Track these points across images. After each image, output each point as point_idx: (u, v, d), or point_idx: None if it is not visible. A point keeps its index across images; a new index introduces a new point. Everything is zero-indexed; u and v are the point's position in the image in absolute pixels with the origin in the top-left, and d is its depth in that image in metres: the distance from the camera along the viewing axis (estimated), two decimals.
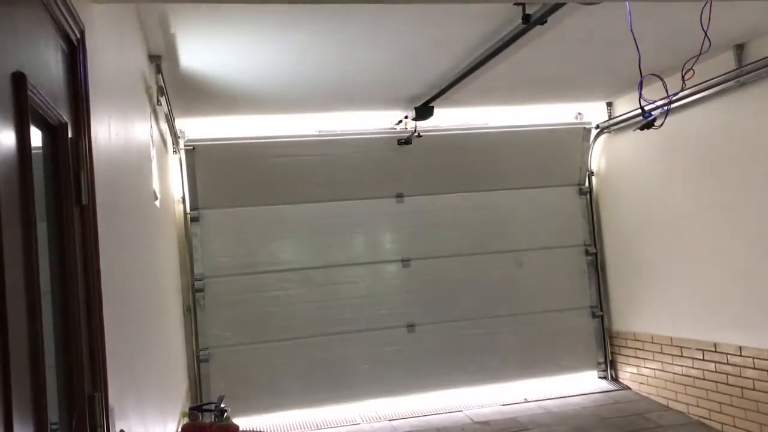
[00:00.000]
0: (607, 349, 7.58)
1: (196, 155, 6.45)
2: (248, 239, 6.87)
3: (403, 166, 7.07)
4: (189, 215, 6.69)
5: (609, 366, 7.57)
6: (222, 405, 4.34)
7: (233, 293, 6.78)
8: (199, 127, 6.75)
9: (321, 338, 6.95)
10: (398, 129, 7.05)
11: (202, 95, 5.59)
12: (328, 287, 7.04)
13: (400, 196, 7.23)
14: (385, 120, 7.01)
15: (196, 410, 4.38)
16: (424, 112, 6.29)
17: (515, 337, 7.41)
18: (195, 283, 6.66)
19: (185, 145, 6.36)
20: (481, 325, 7.34)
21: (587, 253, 7.65)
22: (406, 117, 6.85)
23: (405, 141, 6.82)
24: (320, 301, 6.99)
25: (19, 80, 1.38)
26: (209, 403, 4.69)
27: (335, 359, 6.98)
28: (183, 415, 4.43)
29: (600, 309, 7.62)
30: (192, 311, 6.61)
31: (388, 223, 7.27)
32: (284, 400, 6.81)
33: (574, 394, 7.18)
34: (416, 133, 6.62)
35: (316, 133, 6.94)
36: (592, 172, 7.68)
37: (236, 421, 4.35)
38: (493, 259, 7.43)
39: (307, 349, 6.90)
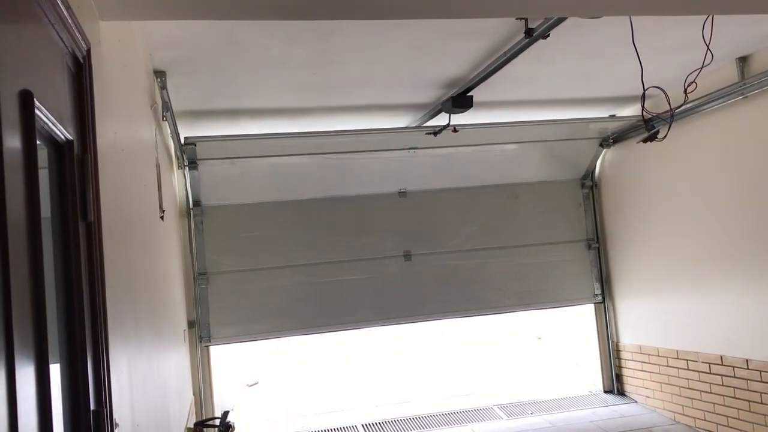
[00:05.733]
0: (603, 284, 7.61)
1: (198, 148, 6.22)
2: (247, 167, 6.74)
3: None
4: (185, 140, 6.31)
5: (615, 379, 7.53)
6: (227, 420, 4.32)
7: (231, 221, 6.81)
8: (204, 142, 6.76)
9: (318, 266, 7.02)
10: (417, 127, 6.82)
11: (207, 108, 5.61)
12: (326, 215, 7.08)
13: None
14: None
15: (200, 425, 4.36)
16: (463, 101, 5.46)
17: (511, 269, 7.48)
18: (192, 210, 6.69)
19: (185, 140, 6.03)
20: (478, 256, 7.41)
21: (583, 186, 7.68)
22: (416, 126, 6.79)
23: (436, 133, 6.27)
24: (318, 229, 7.04)
25: (26, 98, 1.39)
26: (214, 418, 4.67)
27: (332, 286, 7.04)
28: (187, 431, 4.41)
29: (596, 241, 7.65)
30: (191, 237, 6.68)
31: (386, 153, 7.03)
32: (282, 325, 6.90)
33: (580, 407, 7.15)
34: (451, 127, 6.06)
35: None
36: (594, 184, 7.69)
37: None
38: (489, 191, 7.48)
39: (305, 276, 6.97)
